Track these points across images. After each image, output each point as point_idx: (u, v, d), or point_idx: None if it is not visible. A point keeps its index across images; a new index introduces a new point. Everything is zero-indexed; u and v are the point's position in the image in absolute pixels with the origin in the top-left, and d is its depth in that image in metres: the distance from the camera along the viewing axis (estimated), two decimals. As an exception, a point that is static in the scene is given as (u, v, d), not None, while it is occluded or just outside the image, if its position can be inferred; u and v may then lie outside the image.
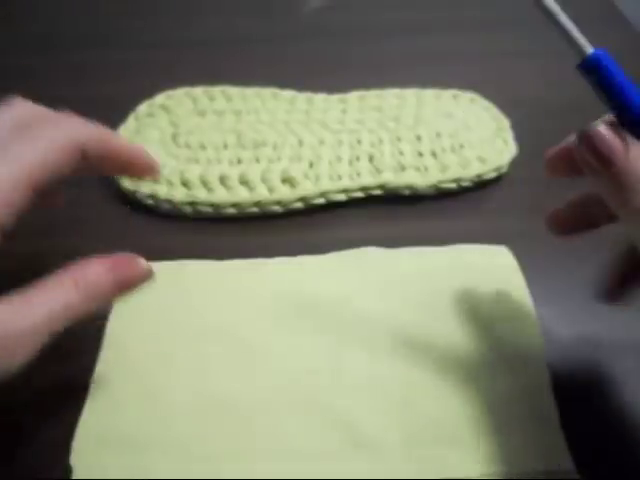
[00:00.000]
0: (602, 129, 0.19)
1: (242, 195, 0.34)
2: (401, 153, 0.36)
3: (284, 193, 0.34)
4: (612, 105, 0.19)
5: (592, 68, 0.20)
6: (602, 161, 0.19)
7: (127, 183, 0.34)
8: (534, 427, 0.23)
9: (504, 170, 0.36)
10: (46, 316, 0.22)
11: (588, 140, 0.19)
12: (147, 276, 0.24)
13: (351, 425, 0.24)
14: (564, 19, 0.20)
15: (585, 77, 0.20)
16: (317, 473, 0.23)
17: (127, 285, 0.23)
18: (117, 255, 0.23)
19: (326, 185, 0.34)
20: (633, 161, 0.19)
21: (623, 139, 0.19)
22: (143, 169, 0.27)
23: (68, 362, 0.27)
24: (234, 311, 0.29)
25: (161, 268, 0.31)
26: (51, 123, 0.24)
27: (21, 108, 0.24)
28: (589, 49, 0.20)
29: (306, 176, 0.34)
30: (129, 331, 0.28)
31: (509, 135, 0.37)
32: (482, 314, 0.28)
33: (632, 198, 0.19)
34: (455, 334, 0.27)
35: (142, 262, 0.24)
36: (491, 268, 0.29)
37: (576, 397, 0.26)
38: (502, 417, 0.24)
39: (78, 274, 0.23)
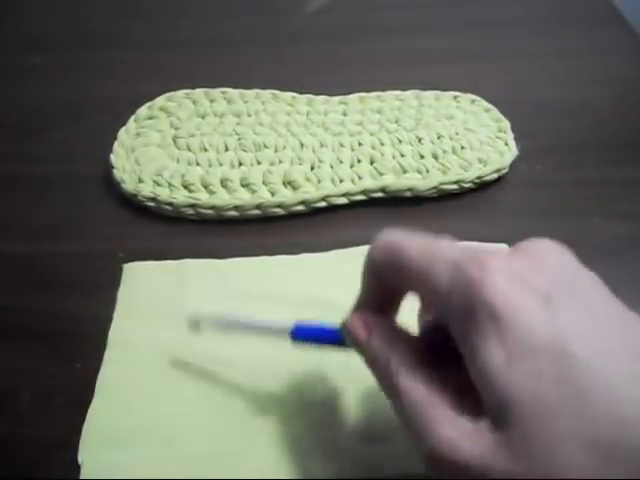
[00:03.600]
0: (350, 320, 0.21)
1: (243, 197, 0.34)
2: (402, 155, 0.36)
3: (286, 196, 0.34)
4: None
5: (299, 337, 0.23)
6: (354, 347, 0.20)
7: (128, 185, 0.34)
8: None
9: (505, 171, 0.36)
10: None
11: (342, 329, 0.21)
12: None
13: (346, 422, 0.25)
14: (258, 322, 0.25)
15: (301, 344, 0.23)
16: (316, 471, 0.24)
17: None
18: None
19: (328, 189, 0.34)
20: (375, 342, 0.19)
21: (367, 327, 0.20)
22: None
23: (72, 363, 0.27)
24: (235, 310, 0.29)
25: (163, 267, 0.31)
26: None
27: None
28: (288, 326, 0.23)
29: (308, 179, 0.34)
30: (132, 331, 0.28)
31: (509, 136, 0.37)
32: None
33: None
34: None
35: None
36: None
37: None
38: None
39: None
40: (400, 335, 0.20)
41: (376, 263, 0.20)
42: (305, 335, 0.23)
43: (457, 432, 0.16)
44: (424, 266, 0.18)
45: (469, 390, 0.17)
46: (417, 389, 0.17)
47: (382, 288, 0.21)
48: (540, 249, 0.18)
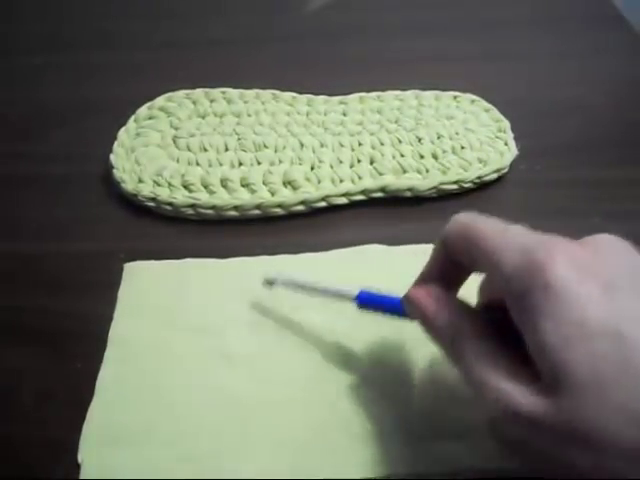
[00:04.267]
0: (415, 291, 0.22)
1: (243, 197, 0.34)
2: (402, 155, 0.36)
3: (286, 196, 0.34)
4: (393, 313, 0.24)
5: (364, 303, 0.25)
6: (418, 318, 0.22)
7: (128, 185, 0.34)
8: None
9: (505, 171, 0.36)
10: None
11: (406, 300, 0.22)
12: None
13: (350, 422, 0.25)
14: (323, 285, 0.27)
15: (365, 309, 0.25)
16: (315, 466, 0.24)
17: None
18: None
19: (328, 189, 0.34)
20: (439, 315, 0.21)
21: (434, 298, 0.21)
22: None
23: (72, 362, 0.27)
24: (236, 309, 0.29)
25: (163, 267, 0.31)
26: None
27: None
28: (354, 293, 0.25)
29: (307, 179, 0.34)
30: (132, 330, 0.28)
31: (509, 136, 0.37)
32: None
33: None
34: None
35: None
36: None
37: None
38: None
39: None
40: (463, 308, 0.21)
41: (450, 237, 0.21)
42: (369, 302, 0.25)
43: (511, 386, 0.18)
44: (495, 245, 0.19)
45: (524, 362, 0.18)
46: (479, 355, 0.19)
47: (450, 263, 0.22)
48: (604, 241, 0.19)
